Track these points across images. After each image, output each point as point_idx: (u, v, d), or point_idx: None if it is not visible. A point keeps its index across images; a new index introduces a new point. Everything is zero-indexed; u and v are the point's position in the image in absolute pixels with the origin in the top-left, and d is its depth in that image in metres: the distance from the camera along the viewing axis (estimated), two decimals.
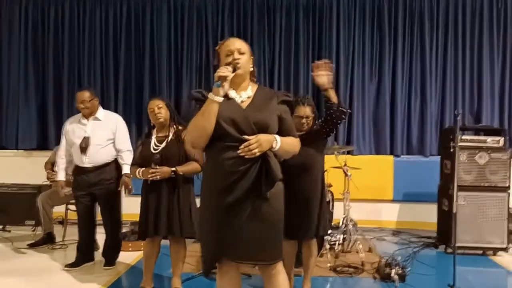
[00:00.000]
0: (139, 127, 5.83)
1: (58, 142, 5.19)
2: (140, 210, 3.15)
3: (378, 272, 3.70)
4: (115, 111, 4.93)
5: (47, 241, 4.53)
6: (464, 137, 4.46)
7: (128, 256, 4.10)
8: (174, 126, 3.17)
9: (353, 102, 5.73)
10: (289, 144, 2.09)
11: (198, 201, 3.12)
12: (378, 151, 5.75)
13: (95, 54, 5.89)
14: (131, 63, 5.90)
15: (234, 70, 2.00)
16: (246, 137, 1.96)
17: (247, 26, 5.82)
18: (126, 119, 5.56)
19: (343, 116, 2.91)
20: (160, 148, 3.08)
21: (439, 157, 4.94)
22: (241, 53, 2.07)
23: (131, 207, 4.83)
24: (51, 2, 5.93)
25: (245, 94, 2.09)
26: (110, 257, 3.84)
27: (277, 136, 2.02)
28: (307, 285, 3.18)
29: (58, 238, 4.62)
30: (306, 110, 2.95)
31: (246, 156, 1.94)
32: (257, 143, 1.93)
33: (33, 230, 5.04)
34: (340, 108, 2.88)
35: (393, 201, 5.61)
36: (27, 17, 5.96)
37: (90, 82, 5.79)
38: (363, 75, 5.76)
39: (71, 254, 3.97)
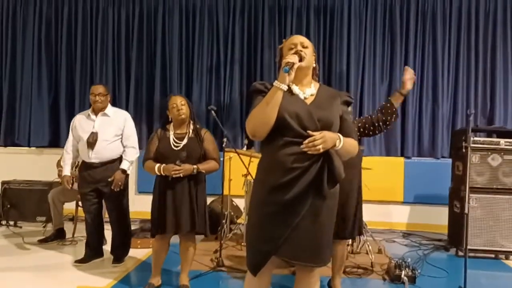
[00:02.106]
0: (150, 125, 5.87)
1: None
2: (153, 206, 3.12)
3: (387, 273, 3.66)
4: (126, 109, 4.96)
5: (57, 237, 4.57)
6: (476, 138, 4.40)
7: (137, 253, 4.12)
8: (193, 125, 3.18)
9: (363, 103, 5.70)
10: (350, 145, 2.03)
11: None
12: (388, 153, 5.70)
13: (107, 53, 5.95)
14: (143, 63, 5.94)
15: (301, 59, 1.97)
16: (311, 132, 1.90)
17: (258, 27, 5.83)
18: (137, 118, 5.69)
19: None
20: (181, 145, 3.08)
21: (451, 159, 4.89)
22: (304, 47, 2.06)
23: (140, 205, 4.90)
24: (65, 1, 6.00)
25: (308, 91, 2.05)
26: (118, 254, 3.85)
27: (340, 135, 1.96)
28: (337, 281, 3.18)
29: (68, 235, 4.66)
30: None
31: (309, 152, 1.89)
32: (322, 139, 1.88)
33: (44, 226, 5.09)
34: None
35: (403, 203, 5.56)
36: (41, 16, 6.04)
37: (102, 81, 5.84)
38: (374, 77, 5.73)
39: (81, 250, 3.99)
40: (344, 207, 2.91)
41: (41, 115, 6.02)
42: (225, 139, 3.93)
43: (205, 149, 3.14)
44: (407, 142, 5.65)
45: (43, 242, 4.50)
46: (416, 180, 5.48)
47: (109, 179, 3.63)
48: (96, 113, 3.79)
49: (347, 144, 1.98)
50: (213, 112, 3.88)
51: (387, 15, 5.71)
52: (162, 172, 3.02)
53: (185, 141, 3.09)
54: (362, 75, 5.74)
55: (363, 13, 5.72)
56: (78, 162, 4.06)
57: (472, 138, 4.21)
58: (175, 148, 3.07)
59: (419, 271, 3.60)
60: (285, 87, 1.91)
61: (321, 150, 1.89)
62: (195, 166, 3.04)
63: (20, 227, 5.19)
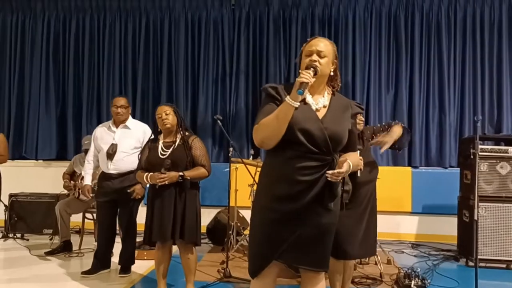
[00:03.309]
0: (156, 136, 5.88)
1: (76, 153, 5.33)
2: (146, 215, 3.14)
3: (397, 283, 3.61)
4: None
5: (64, 249, 4.56)
6: (484, 146, 4.36)
7: (143, 264, 4.10)
8: (181, 132, 3.19)
9: (369, 113, 5.69)
10: (355, 166, 2.05)
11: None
12: (395, 163, 5.67)
13: (114, 66, 6.02)
14: (149, 75, 6.00)
15: (315, 73, 1.92)
16: (339, 163, 1.92)
17: (263, 38, 5.87)
18: None
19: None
20: (168, 153, 3.08)
21: (459, 169, 4.84)
22: (321, 56, 1.97)
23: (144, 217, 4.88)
24: (72, 15, 6.11)
25: (321, 102, 2.02)
26: (126, 264, 3.84)
27: (350, 162, 1.95)
28: None
29: (75, 247, 4.65)
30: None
31: (330, 179, 1.91)
32: (346, 173, 1.93)
33: (51, 239, 5.09)
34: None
35: (411, 213, 5.51)
36: (49, 30, 6.14)
37: (109, 93, 5.90)
38: (379, 86, 5.74)
39: (87, 262, 3.98)
40: (370, 224, 2.88)
41: (48, 128, 6.08)
42: (231, 149, 3.92)
43: (193, 156, 3.12)
44: (415, 152, 5.61)
45: (50, 254, 4.49)
46: (424, 190, 5.42)
47: (129, 190, 3.65)
48: (117, 125, 3.82)
49: (354, 165, 2.00)
50: (219, 121, 3.89)
51: (391, 25, 5.74)
52: (149, 181, 3.04)
53: (171, 149, 3.10)
54: (368, 85, 5.74)
55: (367, 23, 5.76)
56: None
57: (480, 146, 4.17)
58: (161, 157, 3.07)
59: (429, 281, 3.54)
60: (296, 105, 1.88)
61: (340, 179, 1.95)
62: (180, 173, 3.02)
63: (27, 239, 5.19)
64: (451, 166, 5.54)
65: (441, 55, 5.64)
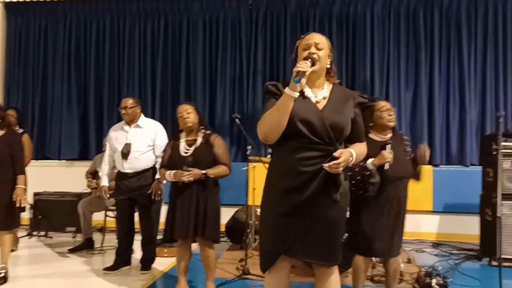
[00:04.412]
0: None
1: (98, 152, 5.41)
2: (167, 212, 3.18)
3: (417, 282, 3.56)
4: (152, 119, 5.05)
5: (86, 246, 4.66)
6: (507, 143, 4.28)
7: (164, 262, 4.15)
8: (203, 131, 3.22)
9: None
10: (360, 155, 2.06)
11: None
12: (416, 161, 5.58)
13: (134, 67, 6.11)
14: (168, 75, 6.07)
15: (313, 64, 1.95)
16: (335, 154, 1.91)
17: (280, 38, 5.88)
18: None
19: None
20: (190, 151, 3.12)
21: (481, 167, 4.75)
22: (318, 48, 2.00)
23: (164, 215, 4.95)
24: (93, 18, 6.23)
25: (320, 94, 2.03)
26: (147, 261, 3.90)
27: (353, 152, 1.98)
28: None
29: (97, 244, 4.74)
30: (386, 104, 2.89)
31: (330, 171, 1.91)
32: (345, 162, 1.91)
33: (73, 237, 5.20)
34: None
35: (432, 212, 5.43)
36: (71, 32, 6.27)
37: (128, 93, 5.97)
38: (399, 84, 5.68)
39: (109, 259, 4.06)
40: (398, 221, 2.84)
41: (70, 129, 6.20)
42: (249, 147, 3.94)
43: (215, 154, 3.15)
44: (435, 150, 5.53)
45: (73, 251, 4.59)
46: (445, 188, 5.34)
47: (148, 192, 3.70)
48: (129, 124, 3.88)
49: (358, 157, 2.02)
50: (237, 120, 3.92)
51: (410, 22, 5.67)
52: (172, 178, 3.07)
53: (193, 147, 3.13)
54: (387, 83, 5.69)
55: (386, 21, 5.70)
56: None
57: (502, 143, 4.09)
58: (184, 155, 3.11)
59: (450, 279, 3.48)
60: (296, 95, 1.92)
61: (341, 170, 1.92)
62: (203, 171, 3.06)
63: (51, 237, 5.32)
64: (472, 164, 5.44)
65: (461, 51, 5.55)
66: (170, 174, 3.08)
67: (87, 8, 6.24)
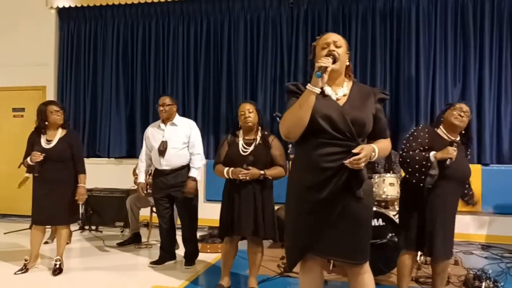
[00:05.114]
0: (216, 135, 6.04)
1: None
2: (221, 209, 3.23)
3: (465, 285, 3.45)
4: (195, 119, 5.17)
5: (134, 241, 4.86)
6: None
7: (207, 257, 4.26)
8: (261, 131, 3.26)
9: (435, 109, 5.46)
10: (383, 150, 2.05)
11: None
12: None
13: (178, 67, 6.27)
14: (210, 75, 6.18)
15: (334, 61, 1.97)
16: (354, 151, 1.91)
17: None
18: (204, 127, 5.91)
19: None
20: (249, 150, 3.17)
21: None
22: (337, 46, 2.04)
23: (208, 213, 5.06)
24: (140, 21, 6.44)
25: (341, 92, 2.05)
26: (190, 256, 4.01)
27: (375, 147, 1.98)
28: None
29: (143, 239, 4.93)
30: (463, 106, 2.85)
31: (351, 167, 1.91)
32: (365, 158, 1.91)
33: (122, 231, 5.43)
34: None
35: (481, 213, 5.20)
36: (119, 36, 6.52)
37: (172, 93, 6.15)
38: (445, 80, 5.48)
39: (155, 253, 4.22)
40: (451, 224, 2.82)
41: (119, 128, 6.46)
42: (290, 145, 3.95)
43: (272, 155, 3.19)
44: (485, 148, 5.31)
45: (121, 245, 4.80)
46: (495, 188, 5.11)
47: (183, 190, 3.81)
48: (165, 123, 4.01)
49: (380, 152, 2.00)
50: (278, 118, 3.93)
51: (458, 15, 5.46)
52: (230, 175, 3.11)
53: (252, 147, 3.17)
54: (433, 79, 5.51)
55: (432, 15, 5.52)
56: (151, 170, 4.31)
57: None
58: (243, 154, 3.15)
59: (502, 283, 3.35)
60: (318, 90, 1.93)
61: (363, 166, 1.92)
62: (262, 172, 3.09)
63: (101, 231, 5.58)
64: None
65: None
66: (227, 172, 3.13)
67: (134, 12, 6.47)
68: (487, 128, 5.30)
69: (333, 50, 2.00)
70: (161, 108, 3.97)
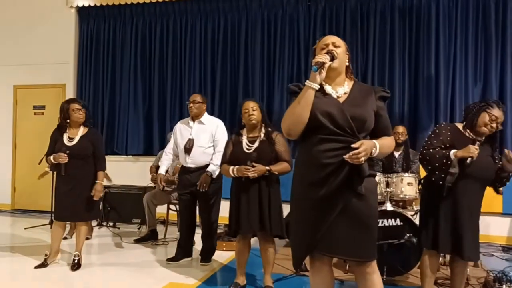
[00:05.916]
0: (233, 129, 6.04)
1: (161, 148, 5.64)
2: (230, 208, 3.25)
3: (485, 287, 3.38)
4: (211, 115, 5.18)
5: (151, 237, 4.90)
6: None
7: (223, 255, 4.27)
8: (265, 128, 3.27)
9: (455, 108, 5.38)
10: (386, 147, 2.06)
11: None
12: None
13: (195, 65, 6.31)
14: (227, 73, 6.20)
15: (332, 58, 2.00)
16: (354, 145, 1.91)
17: (339, 33, 5.77)
18: None
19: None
20: (253, 148, 3.18)
21: None
22: (336, 46, 2.07)
23: (223, 210, 5.06)
24: (157, 18, 6.50)
25: (341, 90, 2.07)
26: (207, 254, 4.03)
27: (376, 142, 1.99)
28: None
29: (160, 236, 4.98)
30: (497, 111, 2.72)
31: (351, 162, 1.91)
32: (365, 152, 1.91)
33: (139, 228, 5.49)
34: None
35: (502, 214, 5.11)
36: (137, 34, 6.59)
37: (190, 91, 6.19)
38: (466, 79, 5.39)
39: (172, 250, 4.25)
40: (472, 223, 2.74)
41: (136, 126, 6.53)
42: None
43: (277, 151, 3.19)
44: (507, 148, 5.16)
45: (139, 241, 4.85)
46: None
47: (197, 183, 3.83)
48: (193, 120, 4.03)
49: (382, 148, 2.00)
50: None
51: (480, 13, 5.36)
52: (235, 174, 3.13)
53: (256, 144, 3.19)
54: (453, 78, 5.43)
55: (452, 12, 5.43)
56: (173, 167, 4.33)
57: None
58: (247, 151, 3.17)
59: None
60: (316, 86, 1.96)
61: (363, 161, 1.90)
62: (267, 167, 3.10)
63: (119, 228, 5.65)
64: None
65: None
66: (233, 170, 3.15)
67: (152, 10, 6.53)
68: (509, 128, 5.19)
69: (332, 49, 2.03)
70: (191, 105, 3.99)
